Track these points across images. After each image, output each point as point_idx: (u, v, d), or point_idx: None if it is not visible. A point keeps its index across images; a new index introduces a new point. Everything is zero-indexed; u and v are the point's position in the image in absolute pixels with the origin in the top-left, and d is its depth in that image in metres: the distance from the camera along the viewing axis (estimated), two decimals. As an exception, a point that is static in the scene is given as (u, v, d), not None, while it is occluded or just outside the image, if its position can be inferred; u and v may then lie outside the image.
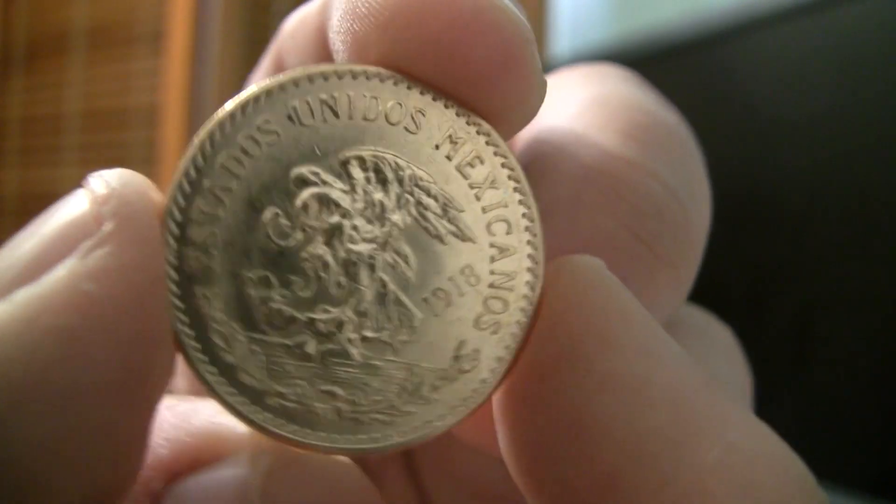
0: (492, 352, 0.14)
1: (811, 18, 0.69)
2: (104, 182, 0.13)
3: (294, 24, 0.22)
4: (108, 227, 0.12)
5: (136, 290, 0.12)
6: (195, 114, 1.46)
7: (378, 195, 0.14)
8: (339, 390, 0.13)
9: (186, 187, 0.13)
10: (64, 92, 1.65)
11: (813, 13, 0.69)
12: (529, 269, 0.14)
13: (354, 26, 0.14)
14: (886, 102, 0.62)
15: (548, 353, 0.13)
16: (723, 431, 0.12)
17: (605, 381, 0.13)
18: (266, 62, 0.23)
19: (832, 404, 0.63)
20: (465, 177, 0.14)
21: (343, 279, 0.14)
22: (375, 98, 0.14)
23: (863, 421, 0.61)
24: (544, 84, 0.15)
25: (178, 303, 0.13)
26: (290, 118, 0.14)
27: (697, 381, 0.13)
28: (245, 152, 0.13)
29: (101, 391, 0.12)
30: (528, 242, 0.14)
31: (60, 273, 0.12)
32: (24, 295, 0.12)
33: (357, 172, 0.14)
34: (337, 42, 0.15)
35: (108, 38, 1.59)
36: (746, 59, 0.76)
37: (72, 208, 0.13)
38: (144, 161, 1.50)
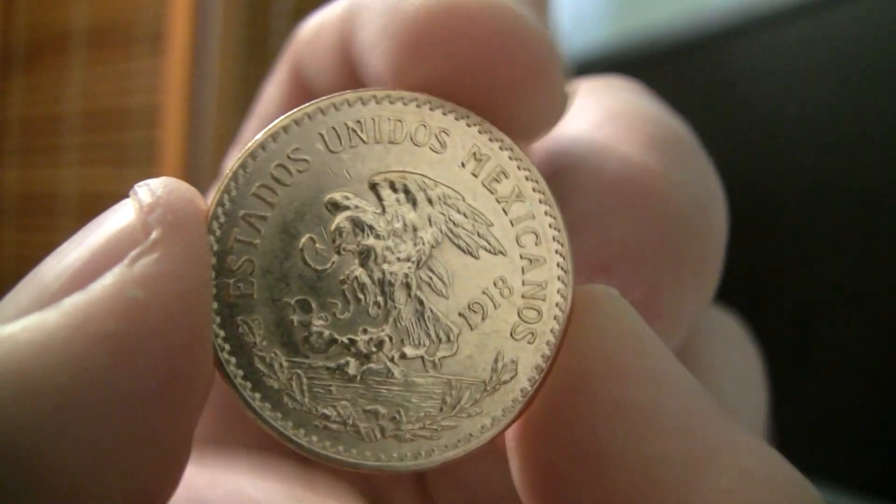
0: (529, 361, 0.14)
1: (811, 18, 0.69)
2: (150, 191, 0.13)
3: (312, 31, 0.22)
4: (154, 235, 0.12)
5: (183, 296, 0.12)
6: (195, 114, 1.46)
7: (409, 215, 0.14)
8: (381, 409, 0.14)
9: (221, 217, 0.14)
10: (64, 92, 1.65)
11: (813, 13, 0.69)
12: (560, 278, 0.15)
13: (388, 45, 0.15)
14: (886, 102, 0.62)
15: (562, 381, 0.14)
16: (735, 456, 0.12)
17: (618, 409, 0.13)
18: (282, 69, 0.23)
19: (832, 404, 0.63)
20: (491, 192, 0.15)
21: (381, 299, 0.14)
22: (400, 121, 0.14)
23: (863, 421, 0.61)
24: (567, 97, 0.15)
25: (219, 331, 0.13)
26: (318, 145, 0.14)
27: (708, 407, 0.13)
28: (277, 181, 0.14)
29: (146, 396, 0.12)
30: (557, 252, 0.15)
31: (108, 280, 0.12)
32: (72, 302, 0.12)
33: (387, 194, 0.14)
34: (371, 58, 0.16)
35: (108, 38, 1.59)
36: (746, 59, 0.76)
37: (118, 218, 0.13)
38: (144, 161, 1.50)
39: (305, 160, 0.14)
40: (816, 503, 0.13)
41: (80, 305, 0.12)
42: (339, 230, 0.14)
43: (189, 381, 0.12)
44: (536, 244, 0.15)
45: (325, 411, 0.14)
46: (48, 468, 0.11)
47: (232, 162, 0.14)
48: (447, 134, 0.14)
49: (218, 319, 0.13)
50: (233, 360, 0.13)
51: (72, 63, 1.64)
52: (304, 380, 0.14)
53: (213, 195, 0.14)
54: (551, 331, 0.14)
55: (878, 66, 0.63)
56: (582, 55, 1.01)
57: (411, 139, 0.14)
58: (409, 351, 0.14)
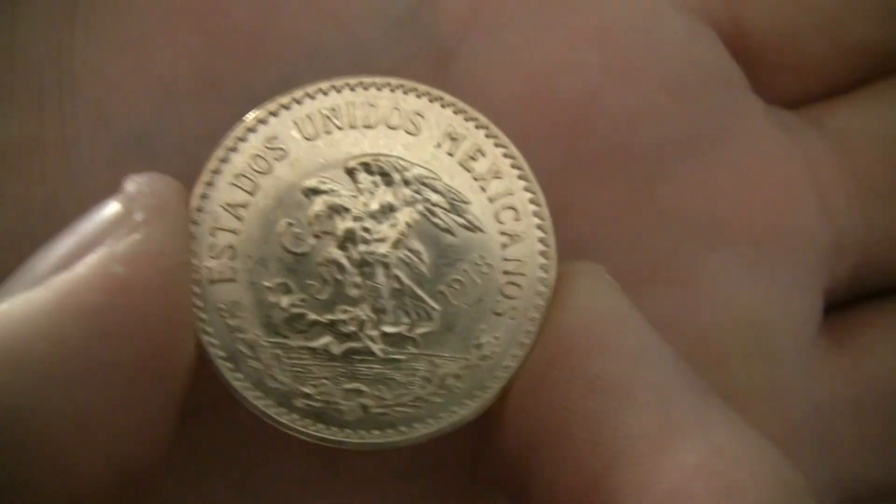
0: (512, 338, 0.14)
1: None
2: (135, 182, 0.14)
3: None
4: (137, 217, 0.13)
5: (163, 273, 0.13)
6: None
7: (385, 196, 0.15)
8: (363, 387, 0.14)
9: (203, 206, 0.14)
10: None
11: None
12: (542, 253, 0.15)
13: None
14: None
15: (542, 355, 0.14)
16: (706, 433, 0.12)
17: (594, 383, 0.13)
18: None
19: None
20: (468, 170, 0.15)
21: (359, 279, 0.14)
22: (374, 106, 0.15)
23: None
24: None
25: (201, 314, 0.14)
26: (294, 133, 0.15)
27: (684, 384, 0.13)
28: (255, 170, 0.14)
29: (127, 367, 0.12)
30: (538, 227, 0.15)
31: (91, 258, 0.12)
32: (57, 279, 0.12)
33: (363, 177, 0.15)
34: None
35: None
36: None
37: (108, 208, 0.13)
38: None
39: (282, 149, 0.15)
40: (790, 481, 0.12)
41: (63, 282, 0.12)
42: (316, 214, 0.14)
43: (168, 355, 0.13)
44: (516, 220, 0.15)
45: (306, 390, 0.14)
46: (34, 430, 0.11)
47: (213, 155, 0.15)
48: (421, 116, 0.15)
49: (200, 303, 0.14)
50: (215, 341, 0.14)
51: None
52: (286, 360, 0.14)
53: (195, 187, 0.14)
54: (534, 306, 0.14)
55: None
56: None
57: (385, 123, 0.15)
58: (388, 329, 0.14)
